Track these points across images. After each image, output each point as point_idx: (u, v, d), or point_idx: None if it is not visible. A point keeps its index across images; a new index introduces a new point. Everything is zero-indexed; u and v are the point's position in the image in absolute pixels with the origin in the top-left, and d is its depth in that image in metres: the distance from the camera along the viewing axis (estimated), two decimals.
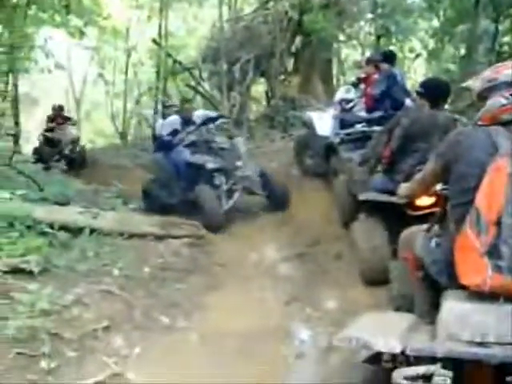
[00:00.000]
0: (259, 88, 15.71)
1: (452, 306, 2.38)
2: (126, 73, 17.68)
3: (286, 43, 13.42)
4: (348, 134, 6.62)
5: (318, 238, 6.05)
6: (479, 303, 2.34)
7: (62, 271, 4.63)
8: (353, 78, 8.93)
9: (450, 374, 2.20)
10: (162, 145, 7.55)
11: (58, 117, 11.73)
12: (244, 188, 7.01)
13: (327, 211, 6.55)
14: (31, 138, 14.12)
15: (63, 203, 6.20)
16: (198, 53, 15.35)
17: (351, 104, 7.18)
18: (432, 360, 2.28)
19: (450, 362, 2.23)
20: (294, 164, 8.40)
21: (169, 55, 14.87)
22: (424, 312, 2.85)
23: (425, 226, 3.02)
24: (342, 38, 14.87)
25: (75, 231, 5.43)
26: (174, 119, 7.66)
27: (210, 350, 3.71)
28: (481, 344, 2.25)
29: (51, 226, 5.27)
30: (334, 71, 15.22)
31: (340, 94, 7.53)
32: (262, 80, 14.91)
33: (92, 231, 5.51)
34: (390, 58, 7.02)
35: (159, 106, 15.26)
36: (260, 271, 5.39)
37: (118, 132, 17.35)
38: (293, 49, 14.04)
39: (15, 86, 13.82)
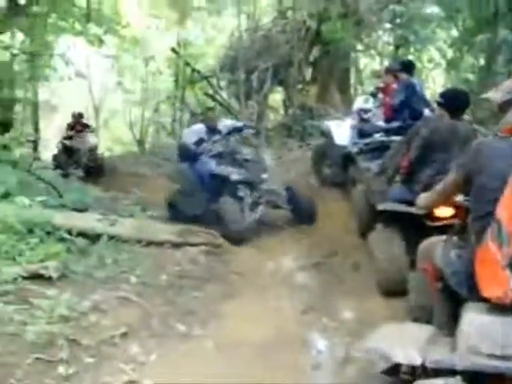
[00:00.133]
0: (277, 97, 15.73)
1: (473, 319, 2.36)
2: (145, 81, 17.81)
3: (304, 52, 13.44)
4: (366, 144, 6.62)
5: (336, 247, 6.03)
6: (500, 316, 2.32)
7: (80, 277, 4.66)
8: (371, 88, 8.94)
9: None
10: (187, 154, 7.43)
11: (77, 124, 11.82)
12: (268, 202, 6.87)
13: (345, 221, 6.54)
14: (50, 144, 14.24)
15: (82, 210, 6.24)
16: (217, 62, 15.43)
17: (369, 114, 7.17)
18: (451, 373, 2.26)
19: (469, 375, 2.21)
20: (311, 173, 8.39)
21: (187, 64, 14.96)
22: (443, 323, 2.83)
23: (444, 237, 3.00)
24: (360, 47, 14.85)
25: (93, 238, 5.46)
26: (199, 128, 7.55)
27: (226, 359, 3.70)
28: (502, 357, 2.22)
29: (70, 233, 5.31)
30: (352, 81, 15.19)
31: (358, 104, 7.54)
32: (280, 89, 14.93)
33: (110, 238, 5.54)
34: (408, 67, 7.01)
35: (178, 114, 15.42)
36: (277, 280, 5.38)
37: (136, 140, 17.45)
38: (311, 58, 14.06)
39: (35, 93, 14.02)
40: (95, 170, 10.84)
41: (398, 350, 2.45)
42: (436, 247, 2.99)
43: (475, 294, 2.46)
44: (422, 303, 3.29)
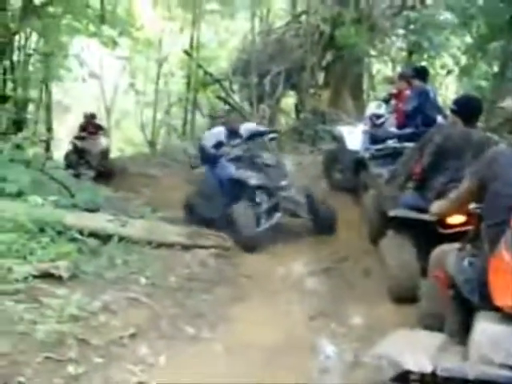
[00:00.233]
0: (289, 101, 15.75)
1: (485, 328, 2.35)
2: (157, 83, 17.87)
3: (317, 57, 13.45)
4: (378, 150, 6.59)
5: (346, 253, 6.02)
6: None
7: (90, 277, 4.68)
8: (383, 94, 8.92)
9: None
10: (206, 157, 7.28)
11: (90, 125, 11.80)
12: (286, 209, 6.61)
13: (356, 226, 6.52)
14: (62, 144, 14.31)
15: (93, 210, 6.27)
16: (229, 65, 15.47)
17: (382, 119, 7.15)
18: (462, 382, 2.24)
19: None
20: (322, 178, 8.38)
21: (200, 66, 14.99)
22: (454, 331, 2.81)
23: (457, 245, 2.99)
24: (373, 52, 14.83)
25: (104, 238, 5.49)
26: (219, 131, 7.36)
27: (234, 362, 3.70)
28: None
29: (81, 233, 5.34)
30: (365, 86, 15.17)
31: (371, 109, 7.52)
32: (292, 93, 14.95)
33: (121, 239, 5.56)
34: (422, 74, 6.98)
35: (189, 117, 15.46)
36: (286, 285, 5.37)
37: (147, 141, 17.50)
38: (324, 63, 14.06)
39: (49, 93, 14.10)
40: (104, 174, 10.77)
41: (408, 356, 2.43)
42: (448, 254, 2.97)
43: (487, 303, 2.44)
44: (433, 311, 3.27)
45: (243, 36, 15.35)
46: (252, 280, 5.47)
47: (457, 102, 4.73)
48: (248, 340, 4.02)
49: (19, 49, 11.24)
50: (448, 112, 5.40)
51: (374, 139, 6.89)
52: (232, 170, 6.77)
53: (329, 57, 13.95)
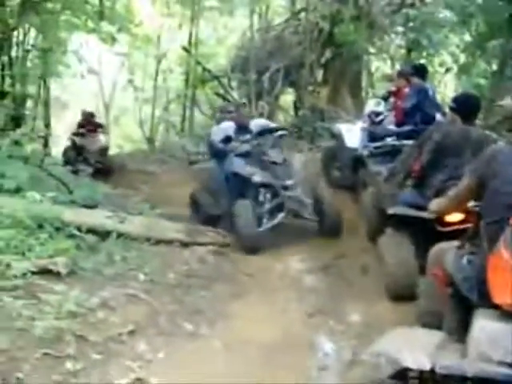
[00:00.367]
0: (288, 98, 15.73)
1: (483, 325, 2.35)
2: (156, 79, 17.84)
3: (315, 54, 13.40)
4: (377, 147, 6.59)
5: (344, 250, 6.03)
6: (511, 323, 2.30)
7: (88, 274, 4.68)
8: (382, 91, 8.92)
9: None
10: (213, 152, 7.16)
11: (89, 123, 11.78)
12: (290, 210, 6.37)
13: (354, 224, 6.53)
14: (60, 140, 14.30)
15: (91, 206, 6.27)
16: (228, 61, 15.44)
17: (381, 117, 7.14)
18: (461, 379, 2.25)
19: (479, 382, 2.20)
20: (320, 175, 8.37)
21: (198, 63, 14.97)
22: (453, 329, 2.81)
23: (455, 243, 2.99)
24: (372, 50, 14.82)
25: (103, 235, 5.48)
26: (228, 125, 7.20)
27: (232, 358, 3.71)
28: None
29: (79, 229, 5.33)
30: (364, 84, 15.16)
31: (369, 107, 7.51)
32: (291, 90, 14.92)
33: (119, 235, 5.56)
34: (421, 71, 6.98)
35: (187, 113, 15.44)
36: (285, 282, 5.38)
37: (146, 138, 17.48)
38: (322, 60, 14.03)
39: (47, 89, 14.07)
40: (104, 169, 10.77)
41: (407, 354, 2.44)
42: (446, 252, 2.98)
43: (486, 301, 2.45)
44: (432, 308, 3.28)
45: (242, 33, 15.31)
46: (250, 277, 5.48)
47: (456, 99, 4.74)
48: (246, 337, 4.02)
49: (17, 44, 11.20)
50: (447, 110, 5.41)
51: (372, 137, 6.89)
52: (236, 165, 6.59)
53: (328, 54, 13.91)
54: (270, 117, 12.96)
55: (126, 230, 5.69)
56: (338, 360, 3.86)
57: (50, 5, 10.95)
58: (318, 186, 7.11)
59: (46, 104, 14.09)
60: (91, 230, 5.40)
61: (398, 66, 13.83)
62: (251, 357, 3.72)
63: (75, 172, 9.18)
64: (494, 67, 12.05)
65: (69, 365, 3.29)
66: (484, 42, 11.85)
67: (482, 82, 13.29)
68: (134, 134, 20.53)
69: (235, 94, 14.32)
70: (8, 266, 4.24)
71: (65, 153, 11.43)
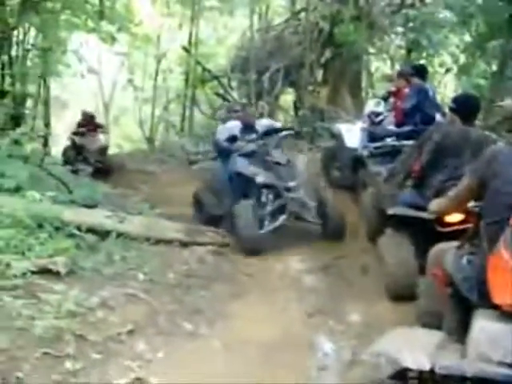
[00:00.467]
0: (287, 98, 15.73)
1: (483, 326, 2.35)
2: (156, 79, 17.85)
3: (315, 54, 13.40)
4: (377, 148, 6.59)
5: (344, 251, 6.03)
6: (511, 323, 2.30)
7: (88, 273, 4.68)
8: (382, 91, 8.92)
9: None
10: (218, 151, 7.15)
11: (89, 124, 11.77)
12: (292, 212, 6.27)
13: (354, 224, 6.52)
14: (60, 140, 14.30)
15: (91, 206, 6.27)
16: (228, 61, 15.45)
17: (381, 117, 7.14)
18: (460, 379, 2.25)
19: (479, 382, 2.20)
20: (320, 175, 8.37)
21: (198, 63, 14.97)
22: (452, 329, 2.81)
23: (455, 243, 2.99)
24: (372, 50, 14.82)
25: (102, 234, 5.49)
26: (234, 125, 7.17)
27: (232, 358, 3.71)
28: None
29: (79, 229, 5.33)
30: (363, 84, 15.16)
31: (369, 107, 7.51)
32: (291, 90, 14.92)
33: (119, 235, 5.56)
34: (421, 72, 6.98)
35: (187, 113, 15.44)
36: (284, 282, 5.38)
37: (146, 137, 17.49)
38: (322, 60, 14.03)
39: (47, 88, 14.06)
40: (104, 169, 10.76)
41: (406, 354, 2.44)
42: (446, 253, 2.98)
43: (486, 301, 2.45)
44: (432, 309, 3.28)
45: (242, 33, 15.32)
46: (250, 277, 5.48)
47: (455, 100, 4.74)
48: (246, 337, 4.02)
49: (17, 44, 11.19)
50: (447, 110, 5.42)
51: (372, 137, 6.89)
52: (239, 165, 6.52)
53: (328, 54, 13.92)
54: (270, 117, 12.97)
55: (126, 229, 5.69)
56: (337, 360, 3.86)
57: (49, 4, 10.94)
58: (320, 188, 7.10)
59: (46, 103, 14.09)
60: (91, 230, 5.41)
61: (397, 67, 13.83)
62: (251, 357, 3.72)
63: (75, 171, 9.19)
64: (494, 68, 12.05)
65: (68, 364, 3.29)
66: (484, 42, 11.86)
67: (482, 82, 13.30)
68: (134, 134, 20.54)
69: (235, 94, 14.33)
70: (8, 265, 4.24)
71: (64, 152, 11.44)
